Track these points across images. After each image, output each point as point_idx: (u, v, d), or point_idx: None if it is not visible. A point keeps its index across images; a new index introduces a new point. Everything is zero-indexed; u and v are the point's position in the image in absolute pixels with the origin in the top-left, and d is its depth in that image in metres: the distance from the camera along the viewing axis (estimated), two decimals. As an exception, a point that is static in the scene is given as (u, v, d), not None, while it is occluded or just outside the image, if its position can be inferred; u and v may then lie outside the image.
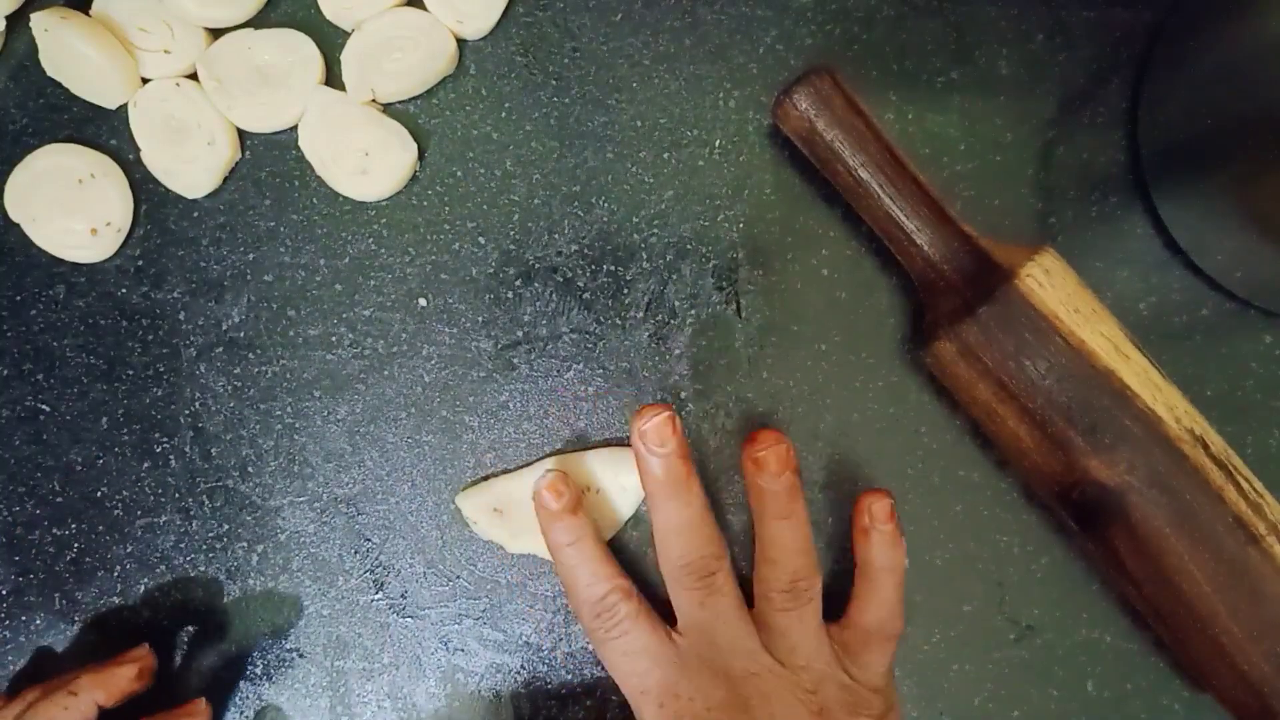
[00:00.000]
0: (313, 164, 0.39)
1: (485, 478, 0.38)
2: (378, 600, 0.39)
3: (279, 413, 0.39)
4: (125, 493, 0.39)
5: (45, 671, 0.38)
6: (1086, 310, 0.33)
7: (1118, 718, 0.37)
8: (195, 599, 0.39)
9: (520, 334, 0.39)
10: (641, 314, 0.38)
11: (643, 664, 0.33)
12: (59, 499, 0.39)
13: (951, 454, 0.38)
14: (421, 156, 0.39)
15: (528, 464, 0.38)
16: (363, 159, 0.38)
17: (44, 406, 0.39)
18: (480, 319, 0.39)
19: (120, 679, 0.35)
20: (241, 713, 0.39)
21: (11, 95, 0.40)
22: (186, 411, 0.39)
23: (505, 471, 0.38)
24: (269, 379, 0.39)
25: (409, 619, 0.39)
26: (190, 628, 0.39)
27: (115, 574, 0.39)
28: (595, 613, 0.33)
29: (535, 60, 0.39)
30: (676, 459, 0.33)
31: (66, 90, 0.39)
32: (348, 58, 0.38)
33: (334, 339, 0.39)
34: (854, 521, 0.36)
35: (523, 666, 0.38)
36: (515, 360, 0.39)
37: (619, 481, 0.37)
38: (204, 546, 0.39)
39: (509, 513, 0.37)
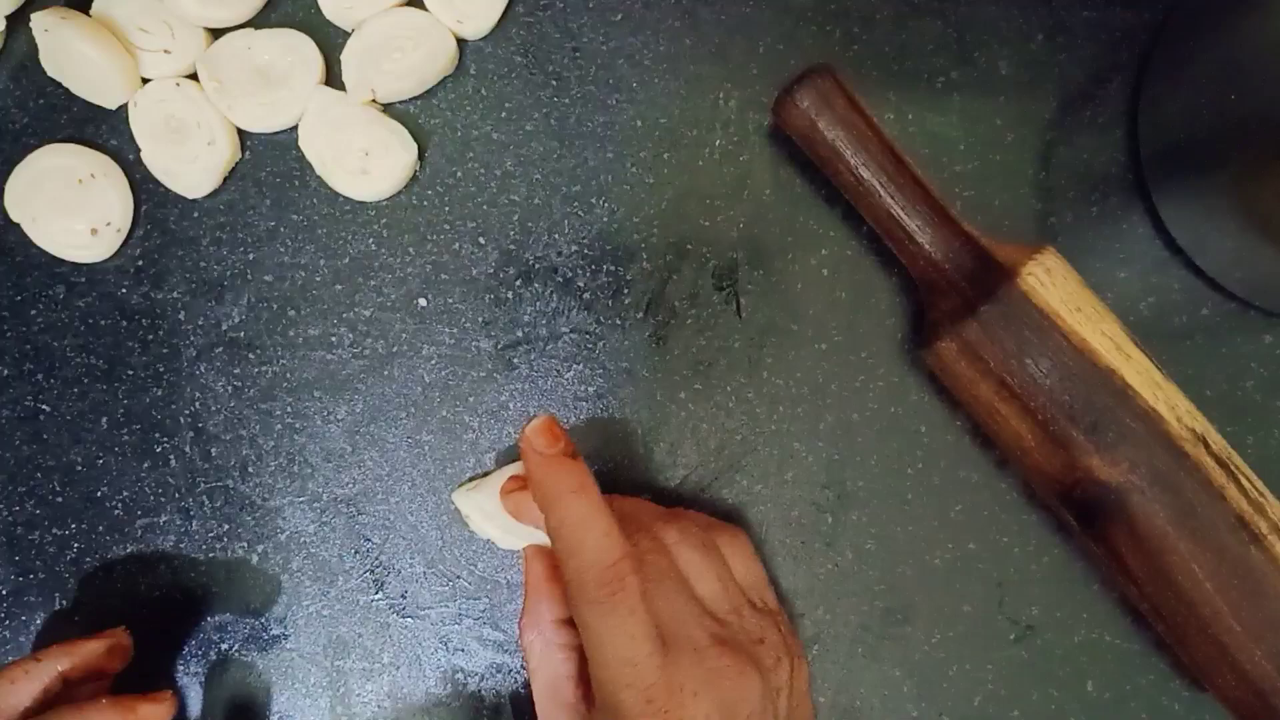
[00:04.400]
0: (313, 164, 0.39)
1: (484, 474, 0.38)
2: (378, 600, 0.39)
3: (279, 413, 0.39)
4: (125, 493, 0.39)
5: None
6: (1088, 309, 0.33)
7: (1118, 718, 0.37)
8: (195, 599, 0.39)
9: (520, 334, 0.39)
10: (641, 314, 0.38)
11: (645, 648, 0.27)
12: (59, 499, 0.39)
13: (951, 454, 0.38)
14: (421, 156, 0.39)
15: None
16: (363, 159, 0.38)
17: (44, 406, 0.39)
18: (480, 319, 0.39)
19: (88, 651, 0.35)
20: (241, 712, 0.39)
21: (11, 95, 0.40)
22: (186, 411, 0.39)
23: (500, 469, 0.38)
24: (269, 379, 0.39)
25: (409, 619, 0.39)
26: (190, 628, 0.39)
27: (115, 574, 0.39)
28: (604, 581, 0.27)
29: (535, 60, 0.39)
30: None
31: (66, 90, 0.39)
32: (348, 58, 0.38)
33: (334, 339, 0.39)
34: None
35: (523, 666, 0.38)
36: (515, 360, 0.39)
37: None
38: (204, 546, 0.39)
39: (501, 510, 0.37)
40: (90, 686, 0.35)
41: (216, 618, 0.39)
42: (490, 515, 0.37)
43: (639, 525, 0.32)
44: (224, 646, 0.39)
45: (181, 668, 0.39)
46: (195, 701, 0.39)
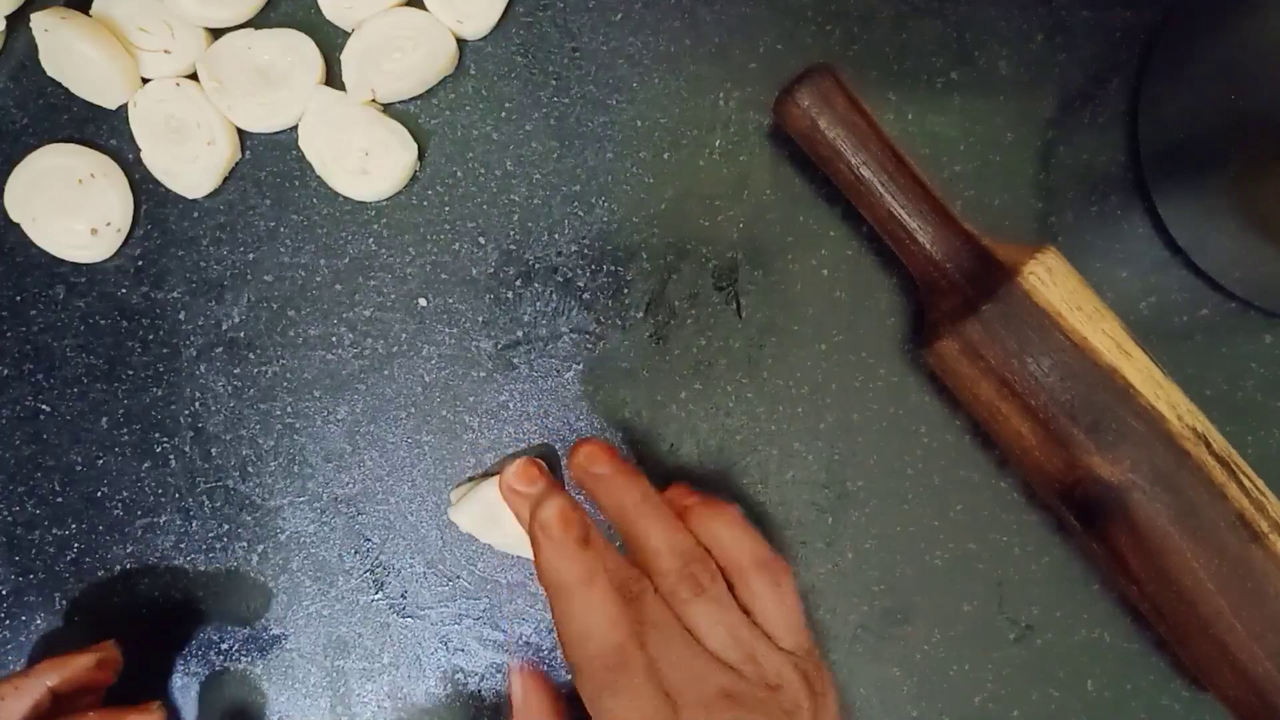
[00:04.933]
0: (313, 164, 0.39)
1: (481, 476, 0.38)
2: (378, 600, 0.39)
3: (279, 413, 0.39)
4: (125, 493, 0.39)
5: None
6: (1089, 308, 0.33)
7: (1118, 718, 0.37)
8: (195, 599, 0.39)
9: (520, 334, 0.39)
10: (641, 314, 0.38)
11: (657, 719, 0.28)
12: (59, 499, 0.39)
13: (951, 454, 0.38)
14: (421, 156, 0.39)
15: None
16: (363, 159, 0.38)
17: (44, 406, 0.39)
18: (480, 319, 0.39)
19: (76, 666, 0.35)
20: (242, 713, 0.39)
21: (11, 95, 0.40)
22: (186, 411, 0.39)
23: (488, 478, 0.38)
24: (269, 379, 0.39)
25: (409, 619, 0.39)
26: (189, 628, 0.39)
27: (115, 574, 0.39)
28: (611, 665, 0.28)
29: (535, 60, 0.39)
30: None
31: (66, 90, 0.39)
32: (348, 58, 0.38)
33: (334, 339, 0.39)
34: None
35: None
36: (515, 360, 0.39)
37: None
38: (204, 546, 0.39)
39: (495, 512, 0.37)
40: (82, 700, 0.35)
41: (217, 617, 0.39)
42: (481, 519, 0.37)
43: (653, 571, 0.31)
44: (224, 646, 0.39)
45: (181, 667, 0.39)
46: (195, 701, 0.39)
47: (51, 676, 0.34)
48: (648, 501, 0.32)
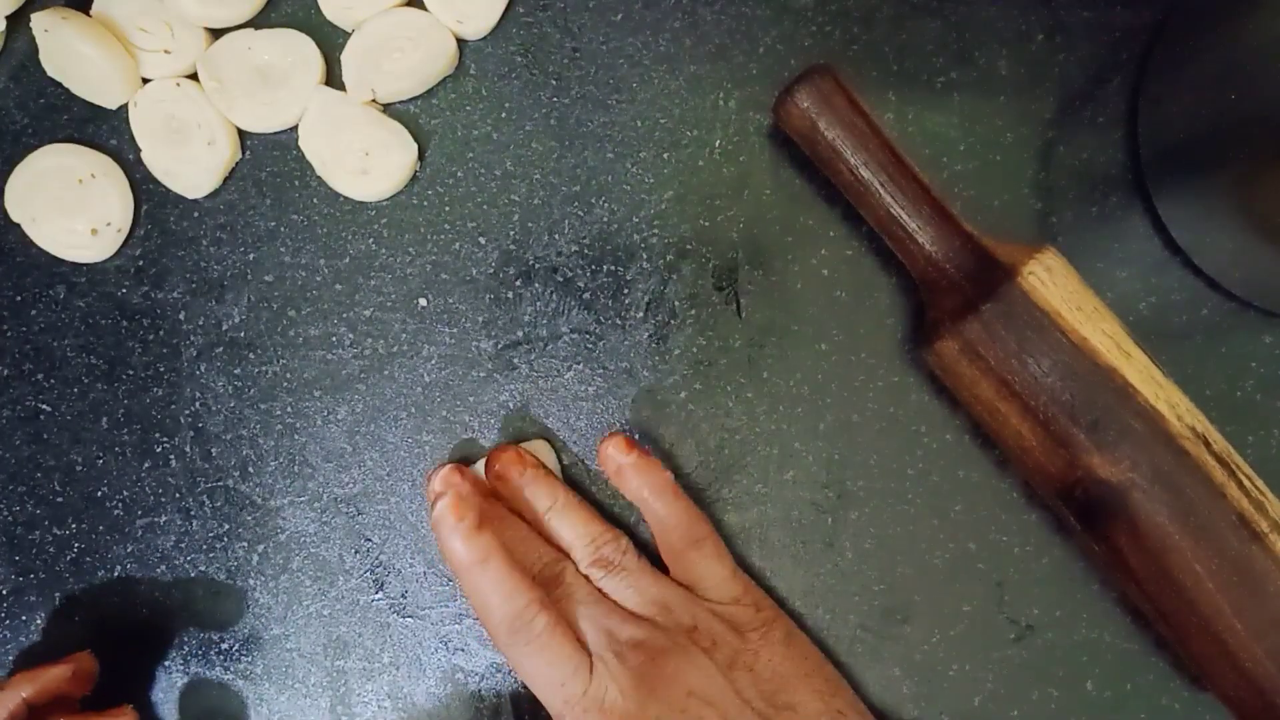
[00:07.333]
0: (313, 164, 0.39)
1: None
2: (378, 600, 0.39)
3: (279, 413, 0.39)
4: (125, 493, 0.39)
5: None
6: (1088, 308, 0.33)
7: (1118, 718, 0.37)
8: (195, 599, 0.39)
9: (520, 334, 0.39)
10: (641, 314, 0.38)
11: (568, 668, 0.32)
12: (59, 499, 0.39)
13: (951, 454, 0.38)
14: (421, 156, 0.39)
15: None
16: (363, 159, 0.38)
17: (44, 406, 0.39)
18: (480, 319, 0.39)
19: (51, 677, 0.35)
20: (241, 713, 0.39)
21: (12, 95, 0.40)
22: (186, 411, 0.39)
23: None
24: (269, 379, 0.39)
25: (409, 619, 0.39)
26: (190, 628, 0.39)
27: (115, 574, 0.39)
28: (514, 628, 0.32)
29: (535, 60, 0.39)
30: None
31: (67, 90, 0.39)
32: (348, 58, 0.38)
33: (334, 339, 0.39)
34: (606, 470, 0.36)
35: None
36: (515, 360, 0.39)
37: None
38: (204, 546, 0.39)
39: None
40: (58, 711, 0.35)
41: (217, 617, 0.39)
42: None
43: (571, 561, 0.36)
44: (224, 646, 0.39)
45: (181, 667, 0.39)
46: (195, 701, 0.39)
47: (26, 688, 0.34)
48: (556, 503, 0.36)
